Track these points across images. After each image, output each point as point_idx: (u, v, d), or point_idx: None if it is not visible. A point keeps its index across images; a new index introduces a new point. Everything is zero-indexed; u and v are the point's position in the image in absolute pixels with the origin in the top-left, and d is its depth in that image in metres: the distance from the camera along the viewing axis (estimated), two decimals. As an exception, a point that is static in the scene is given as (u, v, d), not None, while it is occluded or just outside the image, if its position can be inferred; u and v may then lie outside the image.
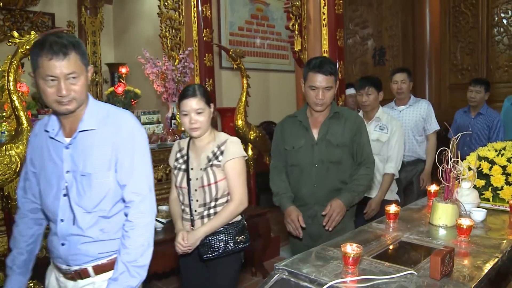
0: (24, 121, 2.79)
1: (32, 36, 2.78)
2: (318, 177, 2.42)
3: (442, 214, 1.94)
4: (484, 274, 1.45)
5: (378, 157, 3.10)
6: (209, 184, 2.19)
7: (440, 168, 2.00)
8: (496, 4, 6.29)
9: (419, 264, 1.52)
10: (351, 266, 1.45)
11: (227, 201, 2.26)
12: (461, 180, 2.14)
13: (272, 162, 2.61)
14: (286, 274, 1.50)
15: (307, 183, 2.45)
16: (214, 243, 2.21)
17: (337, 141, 2.42)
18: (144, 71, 4.70)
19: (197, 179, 2.21)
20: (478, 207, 2.13)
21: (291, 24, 4.01)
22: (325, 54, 3.90)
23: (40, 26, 6.56)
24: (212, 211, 2.22)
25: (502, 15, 6.25)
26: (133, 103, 4.94)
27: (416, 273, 1.43)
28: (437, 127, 3.86)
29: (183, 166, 2.28)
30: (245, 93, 4.44)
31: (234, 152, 2.21)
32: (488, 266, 1.50)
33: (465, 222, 1.77)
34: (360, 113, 3.56)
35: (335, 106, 2.52)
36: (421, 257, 1.62)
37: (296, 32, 3.99)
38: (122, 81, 5.26)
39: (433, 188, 2.39)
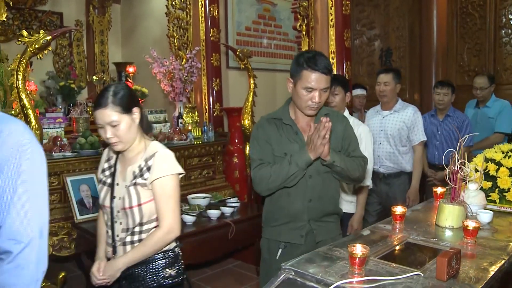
0: (33, 119, 2.81)
1: (41, 35, 2.81)
2: (314, 191, 2.11)
3: (449, 216, 1.94)
4: (490, 276, 1.45)
5: None
6: (131, 207, 1.81)
7: (447, 169, 2.00)
8: (504, 6, 6.25)
9: (425, 265, 1.52)
10: (357, 267, 1.45)
11: (156, 227, 1.86)
12: (468, 181, 2.13)
13: (255, 164, 2.14)
14: (293, 274, 1.51)
15: (301, 197, 2.11)
16: (139, 275, 1.84)
17: (330, 146, 2.05)
18: (151, 71, 4.72)
19: (120, 198, 1.84)
20: (485, 208, 2.13)
21: (298, 25, 4.02)
22: (332, 55, 3.90)
23: (48, 25, 6.61)
24: (136, 237, 1.84)
25: (510, 16, 6.21)
26: (140, 102, 4.96)
27: (422, 274, 1.43)
28: (423, 138, 3.53)
29: (109, 180, 1.91)
30: (252, 93, 4.45)
31: (163, 169, 1.81)
32: (494, 268, 1.50)
33: (471, 224, 1.77)
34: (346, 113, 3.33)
35: (324, 107, 2.20)
36: (427, 258, 1.62)
37: (303, 33, 4.00)
38: (130, 80, 5.30)
39: (439, 189, 2.39)
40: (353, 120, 2.99)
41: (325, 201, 2.16)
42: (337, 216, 2.27)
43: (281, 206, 2.16)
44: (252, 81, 4.48)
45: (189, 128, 4.66)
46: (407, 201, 3.49)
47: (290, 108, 2.19)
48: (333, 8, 3.88)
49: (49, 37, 2.80)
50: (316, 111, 2.09)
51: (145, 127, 1.95)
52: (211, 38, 4.92)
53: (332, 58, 3.92)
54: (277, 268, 2.03)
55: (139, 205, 1.81)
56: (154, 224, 1.86)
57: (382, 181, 3.62)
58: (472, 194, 2.13)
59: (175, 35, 5.08)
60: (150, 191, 1.82)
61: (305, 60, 2.00)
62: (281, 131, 2.15)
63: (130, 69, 5.69)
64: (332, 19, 3.90)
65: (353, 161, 2.12)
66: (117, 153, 1.92)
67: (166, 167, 1.82)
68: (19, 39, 2.81)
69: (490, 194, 2.30)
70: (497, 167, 2.32)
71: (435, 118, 4.11)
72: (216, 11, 4.96)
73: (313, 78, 1.99)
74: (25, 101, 2.79)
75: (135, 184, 1.81)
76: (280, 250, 2.14)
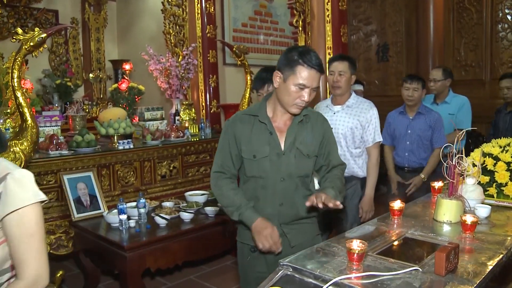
0: (29, 118, 2.80)
1: (36, 32, 2.79)
2: (285, 194, 2.01)
3: (447, 210, 1.94)
4: (488, 270, 1.44)
5: None
6: None
7: (445, 164, 2.00)
8: (500, 0, 6.25)
9: (423, 260, 1.52)
10: (355, 263, 1.45)
11: (12, 279, 1.39)
12: (466, 176, 2.13)
13: (216, 168, 2.07)
14: (291, 270, 1.50)
15: (271, 201, 2.01)
16: None
17: (307, 150, 2.02)
18: (147, 68, 4.70)
19: None
20: (483, 203, 2.13)
21: (294, 21, 4.01)
22: (329, 50, 3.90)
23: (44, 23, 6.58)
24: None
25: (507, 11, 6.21)
26: (136, 99, 4.96)
27: (420, 269, 1.43)
28: (379, 139, 3.07)
29: None
30: (248, 89, 4.44)
31: (19, 198, 1.32)
32: (492, 263, 1.50)
33: (469, 219, 1.77)
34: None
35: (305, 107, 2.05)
36: (426, 253, 1.62)
37: (300, 29, 3.99)
38: (126, 77, 5.27)
39: (437, 184, 2.39)
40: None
41: (299, 205, 2.02)
42: (314, 217, 2.13)
43: None
44: (249, 78, 4.47)
45: (186, 125, 4.65)
46: (360, 212, 3.06)
47: (268, 105, 2.06)
48: (329, 3, 3.88)
49: (44, 35, 2.78)
50: (301, 110, 1.98)
51: None
52: (208, 35, 4.91)
53: (329, 53, 3.92)
54: (252, 272, 2.09)
55: None
56: (7, 275, 1.38)
57: None
58: (470, 189, 2.13)
59: (171, 32, 5.06)
60: (0, 231, 1.33)
61: (300, 55, 1.88)
62: (254, 130, 2.02)
63: (127, 67, 5.67)
64: (328, 14, 3.89)
65: (338, 180, 2.04)
66: None
67: (24, 194, 1.35)
68: (14, 37, 2.78)
69: (488, 188, 2.30)
70: (495, 161, 2.32)
71: (404, 116, 3.74)
72: (212, 8, 4.95)
73: (308, 75, 1.88)
74: (21, 100, 2.78)
75: None
76: (250, 255, 2.07)
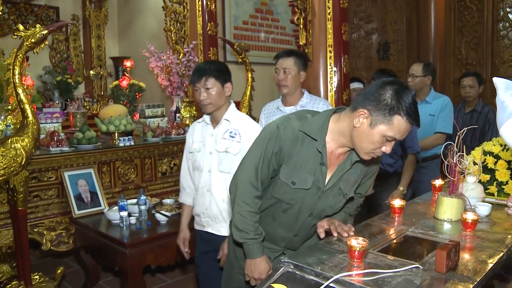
0: (30, 114, 2.80)
1: (37, 29, 2.79)
2: (305, 228, 1.87)
3: (447, 208, 1.94)
4: (489, 268, 1.45)
5: (227, 175, 2.29)
6: None
7: (446, 162, 2.00)
8: (501, -1, 6.25)
9: (424, 258, 1.52)
10: (356, 260, 1.45)
11: None
12: (466, 174, 2.13)
13: (253, 177, 1.75)
14: (292, 267, 1.51)
15: (287, 229, 1.87)
16: None
17: (347, 189, 1.79)
18: (148, 65, 4.70)
19: None
20: (483, 201, 2.13)
21: (295, 18, 4.00)
22: (329, 48, 3.89)
23: (44, 20, 6.58)
24: None
25: (508, 9, 6.21)
26: (137, 96, 4.96)
27: (421, 267, 1.43)
28: None
29: None
30: (249, 86, 4.45)
31: None
32: (493, 261, 1.51)
33: (470, 217, 1.77)
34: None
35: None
36: (426, 251, 1.62)
37: (301, 26, 3.98)
38: (127, 74, 5.28)
39: (438, 182, 2.39)
40: (240, 117, 2.52)
41: (311, 236, 1.93)
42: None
43: (261, 222, 1.86)
44: (249, 75, 4.47)
45: (187, 122, 4.65)
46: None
47: (330, 127, 1.70)
48: (330, 1, 3.87)
49: (45, 32, 2.78)
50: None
51: None
52: (209, 32, 4.89)
53: (330, 51, 3.91)
54: (238, 273, 1.97)
55: None
56: None
57: None
58: (471, 187, 2.13)
59: (172, 29, 5.06)
60: None
61: (401, 101, 1.52)
62: (304, 152, 1.71)
63: (127, 64, 5.68)
64: (329, 12, 3.88)
65: (351, 210, 1.97)
66: None
67: None
68: (15, 34, 2.78)
69: (489, 187, 2.31)
70: (496, 160, 2.32)
71: None
72: (213, 5, 4.94)
73: (404, 129, 1.56)
74: (22, 96, 2.77)
75: None
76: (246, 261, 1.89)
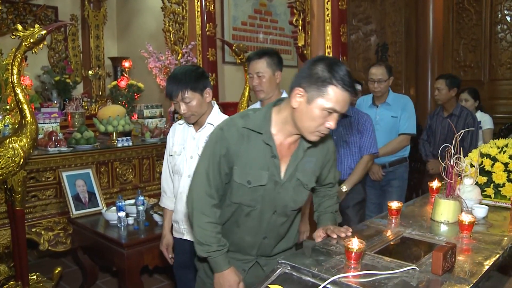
0: (28, 114, 2.80)
1: (36, 29, 2.79)
2: (272, 228, 1.78)
3: (444, 210, 1.95)
4: (485, 270, 1.45)
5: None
6: None
7: (443, 164, 2.01)
8: (499, 1, 6.27)
9: (421, 259, 1.52)
10: (353, 261, 1.45)
11: None
12: (463, 176, 2.14)
13: (207, 187, 1.68)
14: (289, 268, 1.51)
15: (255, 232, 1.77)
16: None
17: (307, 179, 1.74)
18: (147, 65, 4.70)
19: None
20: (480, 203, 2.14)
21: (294, 19, 4.01)
22: (328, 50, 3.90)
23: (43, 19, 6.58)
24: None
25: (506, 12, 6.23)
26: (136, 97, 4.96)
27: (418, 269, 1.43)
28: None
29: None
30: (248, 87, 4.45)
31: None
32: (489, 262, 1.51)
33: (466, 219, 1.77)
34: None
35: None
36: (423, 252, 1.63)
37: (300, 28, 3.99)
38: (125, 75, 5.28)
39: (435, 184, 2.40)
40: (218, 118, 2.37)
41: (284, 238, 1.85)
42: (294, 247, 1.96)
43: (226, 232, 1.79)
44: (248, 76, 4.47)
45: (185, 123, 4.65)
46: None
47: (274, 119, 1.66)
48: (329, 3, 3.88)
49: (44, 32, 2.78)
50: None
51: None
52: (207, 33, 4.91)
53: (328, 53, 3.92)
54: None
55: None
56: None
57: None
58: (468, 189, 2.13)
59: (171, 29, 5.06)
60: None
61: (332, 71, 1.50)
62: (253, 148, 1.65)
63: (126, 64, 5.68)
64: (328, 14, 3.89)
65: (334, 199, 1.97)
66: None
67: None
68: (14, 33, 2.78)
69: (485, 189, 2.31)
70: (492, 162, 2.32)
71: None
72: (212, 6, 4.95)
73: (341, 98, 1.51)
74: (20, 96, 2.78)
75: None
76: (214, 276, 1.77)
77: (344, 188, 3.03)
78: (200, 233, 1.70)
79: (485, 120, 4.35)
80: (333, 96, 1.49)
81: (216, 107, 2.35)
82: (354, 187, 3.07)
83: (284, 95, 2.67)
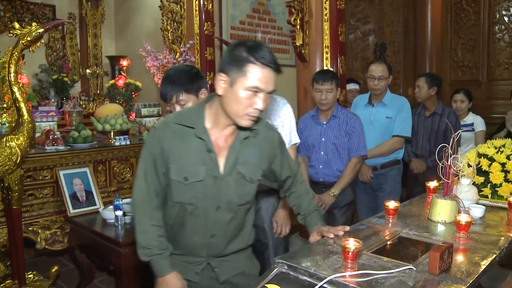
0: (25, 113, 2.79)
1: (33, 27, 2.78)
2: (219, 225, 1.70)
3: (441, 210, 1.95)
4: (481, 270, 1.45)
5: None
6: None
7: (440, 164, 2.01)
8: (497, 2, 6.28)
9: (418, 259, 1.53)
10: (350, 261, 1.45)
11: None
12: (461, 176, 2.14)
13: (142, 195, 1.68)
14: (286, 267, 1.51)
15: (201, 232, 1.69)
16: None
17: (250, 173, 1.68)
18: (145, 64, 4.70)
19: None
20: (477, 203, 2.14)
21: (292, 19, 4.01)
22: (326, 49, 3.91)
23: (40, 18, 6.55)
24: None
25: (504, 12, 6.24)
26: (133, 96, 4.95)
27: (415, 268, 1.44)
28: (296, 140, 2.64)
29: None
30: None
31: None
32: (486, 262, 1.51)
33: (464, 219, 1.77)
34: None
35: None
36: (420, 252, 1.63)
37: (298, 27, 3.99)
38: (123, 73, 5.27)
39: (432, 184, 2.40)
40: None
41: (237, 238, 1.77)
42: (249, 247, 1.88)
43: (174, 234, 1.74)
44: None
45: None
46: (274, 227, 2.64)
47: (207, 113, 1.65)
48: (327, 2, 3.88)
49: (41, 30, 2.77)
50: (255, 121, 1.60)
51: None
52: (205, 32, 4.90)
53: (326, 52, 3.93)
54: None
55: None
56: None
57: None
58: (465, 189, 2.14)
59: (169, 28, 5.05)
60: None
61: (250, 50, 1.50)
62: (188, 144, 1.62)
63: (124, 63, 5.66)
64: (326, 13, 3.90)
65: (310, 195, 1.94)
66: None
67: None
68: (11, 31, 2.77)
69: (483, 189, 2.31)
70: (490, 162, 2.33)
71: (317, 121, 3.20)
72: (210, 5, 4.94)
73: (262, 75, 1.50)
74: (17, 94, 2.77)
75: None
76: (157, 281, 1.73)
77: (333, 193, 3.01)
78: (141, 236, 1.68)
79: (477, 122, 4.23)
80: (253, 74, 1.49)
81: None
82: (343, 189, 3.06)
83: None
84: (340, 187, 3.02)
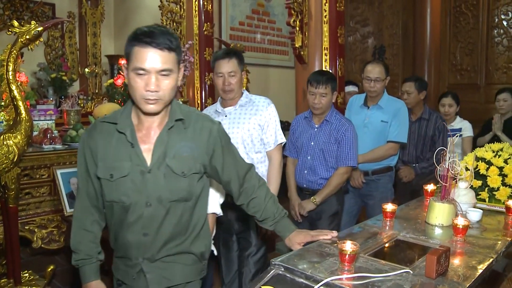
0: (23, 111, 2.78)
1: (32, 26, 2.77)
2: (152, 223, 1.58)
3: (439, 214, 1.95)
4: (478, 274, 1.45)
5: None
6: None
7: (438, 167, 2.01)
8: (496, 6, 6.29)
9: (414, 262, 1.53)
10: (347, 264, 1.45)
11: None
12: (458, 180, 2.14)
13: (78, 211, 1.69)
14: (282, 269, 1.51)
15: (133, 229, 1.59)
16: None
17: (182, 166, 1.57)
18: (144, 64, 4.68)
19: None
20: (474, 207, 2.14)
21: (292, 20, 4.01)
22: (325, 51, 3.91)
23: (40, 16, 6.54)
24: None
25: (503, 16, 6.25)
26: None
27: (411, 272, 1.43)
28: (282, 140, 2.63)
29: None
30: (244, 88, 4.44)
31: None
32: (482, 266, 1.51)
33: (461, 222, 1.78)
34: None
35: (178, 107, 1.62)
36: (417, 256, 1.63)
37: (297, 28, 3.99)
38: (122, 73, 5.25)
39: (430, 187, 2.40)
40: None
41: (172, 237, 1.62)
42: (195, 256, 1.70)
43: (115, 235, 1.68)
44: (245, 76, 4.46)
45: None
46: (262, 232, 2.59)
47: (133, 108, 1.60)
48: (327, 4, 3.88)
49: (40, 28, 2.76)
50: (158, 106, 1.49)
51: None
52: (205, 32, 4.89)
53: (325, 54, 3.93)
54: None
55: None
56: None
57: (230, 205, 2.24)
58: (462, 193, 2.14)
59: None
60: None
61: (134, 33, 1.48)
62: (114, 142, 1.58)
63: (123, 62, 5.65)
64: (326, 15, 3.90)
65: (272, 200, 1.81)
66: None
67: None
68: (10, 29, 2.77)
69: (480, 192, 2.32)
70: (487, 166, 2.33)
71: (309, 123, 3.04)
72: (210, 5, 4.94)
73: (144, 55, 1.44)
74: (15, 93, 2.76)
75: None
76: None
77: (315, 200, 2.85)
78: (73, 239, 1.68)
79: (465, 127, 4.01)
80: (136, 55, 1.45)
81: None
82: (327, 198, 2.88)
83: (246, 93, 2.71)
84: (322, 196, 2.85)
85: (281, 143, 2.64)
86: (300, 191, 3.01)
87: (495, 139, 3.94)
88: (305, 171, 2.96)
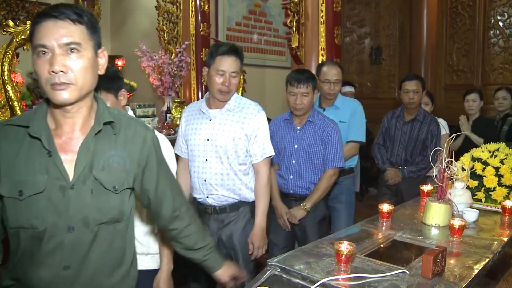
0: (18, 112, 2.77)
1: (28, 26, 2.76)
2: (74, 251, 1.24)
3: (435, 214, 1.95)
4: (474, 274, 1.45)
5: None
6: None
7: (435, 167, 2.01)
8: (493, 7, 6.30)
9: (411, 263, 1.52)
10: (343, 264, 1.45)
11: None
12: (455, 180, 2.15)
13: None
14: (279, 270, 1.50)
15: (49, 263, 1.22)
16: None
17: (114, 180, 1.28)
18: (140, 64, 4.68)
19: None
20: (471, 207, 2.14)
21: (288, 21, 4.00)
22: (322, 52, 3.90)
23: (36, 16, 6.53)
24: None
25: (499, 17, 6.26)
26: (128, 96, 4.93)
27: (408, 272, 1.43)
28: (270, 153, 2.33)
29: None
30: (241, 88, 4.44)
31: None
32: (479, 266, 1.51)
33: (457, 222, 1.78)
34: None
35: (106, 108, 1.32)
36: (413, 256, 1.63)
37: (294, 29, 3.99)
38: (118, 73, 5.25)
39: (426, 187, 2.40)
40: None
41: (101, 269, 1.29)
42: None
43: (23, 271, 1.26)
44: (241, 77, 4.46)
45: (178, 122, 4.64)
46: (250, 248, 2.29)
47: (49, 110, 1.26)
48: (324, 5, 3.88)
49: (36, 28, 2.76)
50: (70, 93, 1.18)
51: None
52: (201, 33, 4.90)
53: (322, 55, 3.92)
54: None
55: None
56: None
57: (212, 218, 2.31)
58: (459, 193, 2.14)
59: (165, 29, 5.05)
60: None
61: (39, 12, 1.22)
62: (24, 149, 1.22)
63: (119, 63, 5.65)
64: (322, 16, 3.90)
65: (205, 235, 1.60)
66: None
67: None
68: (5, 29, 2.76)
69: (476, 193, 2.32)
70: (484, 166, 2.34)
71: (290, 125, 2.83)
72: (207, 6, 4.94)
73: (43, 29, 1.18)
74: (11, 93, 2.76)
75: None
76: None
77: (305, 207, 2.69)
78: None
79: (441, 125, 3.82)
80: (36, 31, 1.19)
81: (130, 112, 2.11)
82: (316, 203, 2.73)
83: (237, 96, 2.37)
84: (312, 201, 2.69)
85: (270, 157, 2.34)
86: (284, 197, 2.81)
87: (467, 140, 3.92)
88: (291, 176, 2.78)
